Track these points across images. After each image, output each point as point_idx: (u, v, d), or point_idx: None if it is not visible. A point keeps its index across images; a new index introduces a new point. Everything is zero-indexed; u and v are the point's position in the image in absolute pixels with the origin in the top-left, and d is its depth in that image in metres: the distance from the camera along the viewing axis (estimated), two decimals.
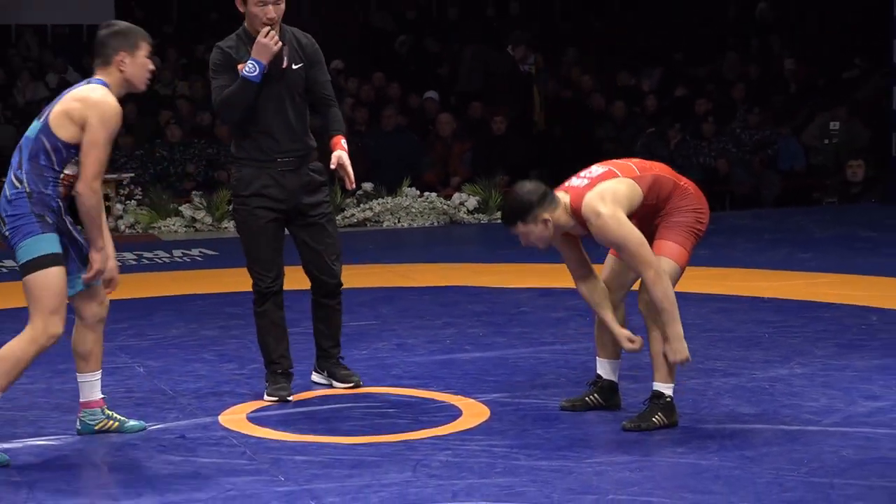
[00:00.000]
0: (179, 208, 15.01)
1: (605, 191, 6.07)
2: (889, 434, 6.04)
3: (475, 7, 21.50)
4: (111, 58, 5.96)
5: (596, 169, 6.25)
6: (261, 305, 7.08)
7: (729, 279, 10.27)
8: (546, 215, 6.05)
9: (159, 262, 12.19)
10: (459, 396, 6.76)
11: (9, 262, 11.55)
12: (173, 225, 14.80)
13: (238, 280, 10.70)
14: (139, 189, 15.33)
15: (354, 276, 10.64)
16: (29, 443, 6.14)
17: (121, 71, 5.96)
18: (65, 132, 5.81)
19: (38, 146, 5.82)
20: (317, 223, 7.02)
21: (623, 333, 6.27)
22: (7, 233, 5.82)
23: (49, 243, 5.76)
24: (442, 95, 18.02)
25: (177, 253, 12.63)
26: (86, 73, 18.22)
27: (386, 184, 15.38)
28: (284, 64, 6.95)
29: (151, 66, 6.13)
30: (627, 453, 5.76)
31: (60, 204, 5.87)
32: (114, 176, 14.21)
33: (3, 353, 5.80)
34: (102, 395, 6.31)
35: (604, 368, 6.57)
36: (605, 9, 21.74)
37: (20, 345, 5.78)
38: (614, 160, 6.40)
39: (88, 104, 5.81)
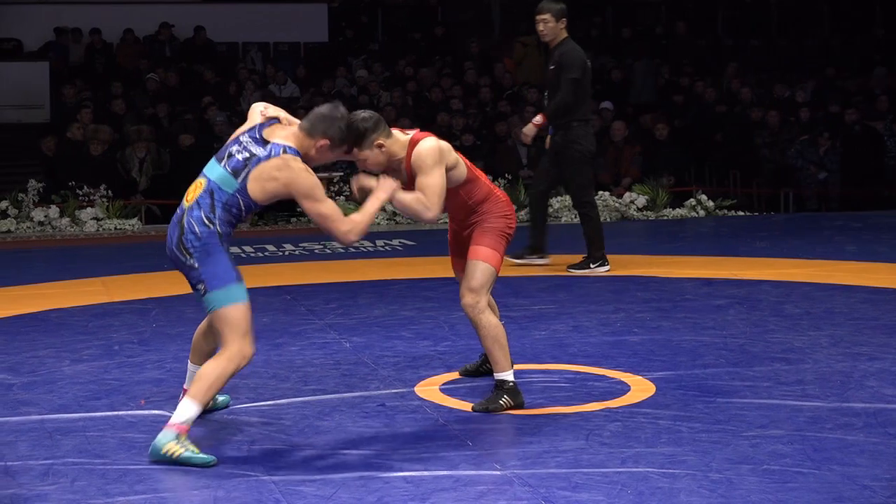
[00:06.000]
0: None
1: (443, 143, 6.03)
2: None
3: (645, 27, 21.33)
4: (316, 136, 5.63)
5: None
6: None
7: (875, 272, 10.05)
8: (381, 140, 5.91)
9: (364, 250, 12.29)
10: (628, 374, 6.69)
11: (247, 247, 11.76)
12: (376, 218, 14.90)
13: (432, 267, 10.77)
14: (348, 186, 15.51)
15: (536, 266, 10.66)
16: (249, 406, 6.23)
17: (316, 149, 5.65)
18: (262, 196, 5.56)
19: (233, 202, 5.55)
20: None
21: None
22: (195, 263, 5.52)
23: (234, 276, 5.54)
24: (616, 105, 17.91)
25: (379, 243, 12.73)
26: (302, 85, 18.57)
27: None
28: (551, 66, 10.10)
29: (336, 158, 5.87)
30: (780, 428, 5.65)
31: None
32: (325, 175, 14.31)
33: (202, 372, 5.51)
34: None
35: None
36: (764, 28, 21.42)
37: (219, 363, 5.49)
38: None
39: (290, 181, 5.51)
